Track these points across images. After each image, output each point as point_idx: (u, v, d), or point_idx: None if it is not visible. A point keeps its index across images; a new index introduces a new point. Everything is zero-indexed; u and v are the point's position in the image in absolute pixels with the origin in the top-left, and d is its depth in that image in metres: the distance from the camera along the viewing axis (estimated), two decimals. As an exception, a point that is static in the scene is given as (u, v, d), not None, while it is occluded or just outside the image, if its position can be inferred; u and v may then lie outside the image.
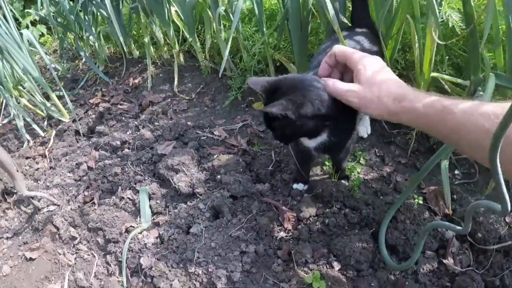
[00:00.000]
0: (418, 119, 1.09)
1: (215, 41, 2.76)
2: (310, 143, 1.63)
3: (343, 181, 1.96)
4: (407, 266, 1.53)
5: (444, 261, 1.68)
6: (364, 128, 2.18)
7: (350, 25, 1.94)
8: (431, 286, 1.63)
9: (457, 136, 1.00)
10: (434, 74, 1.97)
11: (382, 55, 1.84)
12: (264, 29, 2.39)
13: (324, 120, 1.43)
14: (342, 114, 1.40)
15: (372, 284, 1.64)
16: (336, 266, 1.69)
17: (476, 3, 1.83)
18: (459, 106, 0.97)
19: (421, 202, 1.87)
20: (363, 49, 1.82)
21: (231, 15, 2.46)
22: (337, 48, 1.27)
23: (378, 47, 1.86)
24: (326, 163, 2.11)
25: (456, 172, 2.03)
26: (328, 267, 1.69)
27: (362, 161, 2.08)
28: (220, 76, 2.63)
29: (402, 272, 1.68)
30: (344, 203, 1.89)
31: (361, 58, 1.20)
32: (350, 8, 2.17)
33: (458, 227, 1.24)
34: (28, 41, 2.95)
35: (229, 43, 2.03)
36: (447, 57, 2.03)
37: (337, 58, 1.28)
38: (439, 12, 1.76)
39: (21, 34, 2.89)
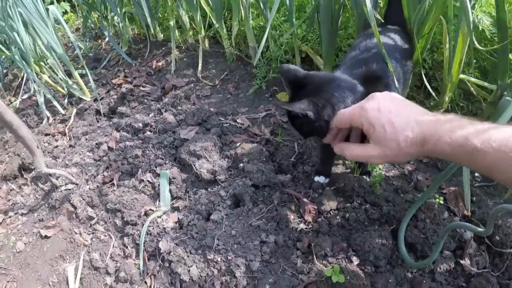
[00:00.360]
0: (446, 157, 1.02)
1: (242, 28, 2.76)
2: None
3: (364, 177, 1.97)
4: (426, 265, 1.54)
5: (461, 261, 1.69)
6: None
7: (383, 21, 1.93)
8: (447, 285, 1.64)
9: (489, 173, 0.94)
10: (461, 76, 1.96)
11: (413, 53, 1.85)
12: (294, 19, 2.39)
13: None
14: None
15: (390, 281, 1.65)
16: (355, 260, 1.70)
17: (508, 8, 1.82)
18: (493, 145, 0.88)
19: (441, 202, 1.87)
20: (396, 46, 1.83)
21: (261, 3, 2.45)
22: (336, 121, 1.27)
23: (409, 45, 1.87)
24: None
25: (476, 174, 2.03)
26: (347, 261, 1.71)
27: (384, 158, 2.08)
28: (248, 61, 2.63)
29: (419, 270, 1.69)
30: (365, 198, 1.90)
31: (360, 115, 1.13)
32: (382, 5, 2.16)
33: (480, 229, 1.25)
34: (53, 17, 2.95)
35: (267, 32, 2.00)
36: (474, 60, 2.03)
37: (340, 126, 1.27)
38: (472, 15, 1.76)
39: (47, 10, 2.90)
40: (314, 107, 1.37)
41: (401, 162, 1.14)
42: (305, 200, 1.91)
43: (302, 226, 1.85)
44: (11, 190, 2.67)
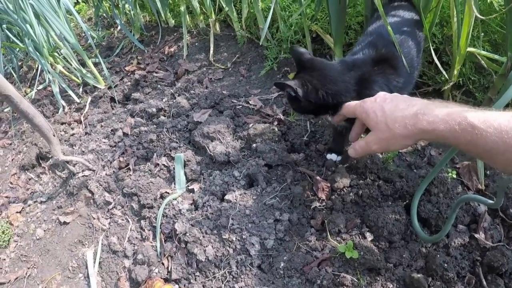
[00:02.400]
0: (442, 138, 1.02)
1: (252, 10, 2.75)
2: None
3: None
4: (439, 238, 1.54)
5: (476, 235, 1.68)
6: None
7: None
8: (461, 259, 1.63)
9: (489, 155, 0.94)
10: (470, 49, 1.94)
11: (422, 25, 1.83)
12: (302, -1, 2.38)
13: (327, 108, 1.57)
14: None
15: (404, 256, 1.66)
16: (369, 236, 1.71)
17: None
18: (494, 124, 0.89)
19: (454, 176, 1.86)
20: (405, 21, 1.82)
21: (270, -15, 2.45)
22: (343, 111, 1.37)
23: (419, 16, 1.86)
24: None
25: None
26: (360, 237, 1.71)
27: (397, 134, 2.08)
28: (260, 44, 2.63)
29: (434, 245, 1.69)
30: (378, 175, 1.90)
31: (360, 106, 1.23)
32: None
33: (490, 201, 1.25)
34: (64, 7, 2.97)
35: (270, 14, 2.02)
36: (482, 33, 2.00)
37: (347, 116, 1.36)
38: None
39: (58, 0, 2.92)
40: (303, 87, 1.52)
41: (397, 148, 1.15)
42: (318, 178, 1.91)
43: (315, 203, 1.86)
44: (29, 179, 2.72)
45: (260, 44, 2.62)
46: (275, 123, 2.26)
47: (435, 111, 1.02)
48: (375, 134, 1.17)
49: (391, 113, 1.10)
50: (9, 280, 2.20)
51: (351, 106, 1.30)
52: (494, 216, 1.75)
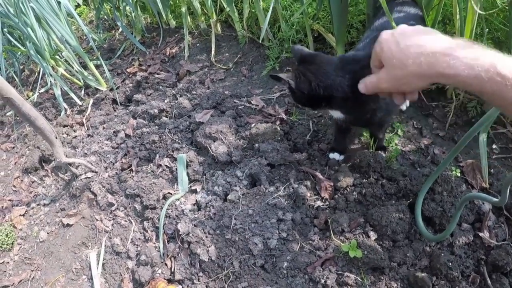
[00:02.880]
0: (459, 80, 0.91)
1: (253, 10, 2.75)
2: (336, 114, 1.70)
3: (381, 152, 1.96)
4: (443, 237, 1.53)
5: (480, 234, 1.68)
6: None
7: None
8: (466, 258, 1.63)
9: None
10: (474, 47, 1.93)
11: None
12: (304, -2, 2.37)
13: (321, 100, 1.59)
14: (353, 97, 1.48)
15: (408, 255, 1.65)
16: (373, 235, 1.70)
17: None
18: None
19: (458, 174, 1.86)
20: (410, 16, 1.82)
21: (270, -16, 2.44)
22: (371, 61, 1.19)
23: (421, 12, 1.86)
24: (365, 134, 2.10)
25: (494, 146, 2.00)
26: (364, 236, 1.71)
27: (400, 132, 2.07)
28: (260, 43, 2.63)
29: (438, 244, 1.69)
30: (382, 173, 1.89)
31: (378, 41, 1.08)
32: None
33: (495, 199, 1.24)
34: (65, 10, 2.97)
35: (269, 12, 2.01)
36: (487, 29, 1.99)
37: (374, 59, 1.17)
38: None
39: (58, 3, 2.92)
40: (296, 78, 1.55)
41: (410, 89, 1.05)
42: (321, 177, 1.91)
43: (318, 203, 1.86)
44: (32, 182, 2.72)
45: (260, 41, 2.62)
46: (278, 122, 2.25)
47: (459, 52, 0.90)
48: (386, 71, 1.06)
49: (407, 48, 0.98)
50: (13, 283, 2.20)
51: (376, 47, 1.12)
52: (498, 215, 1.75)
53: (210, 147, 2.14)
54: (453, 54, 0.90)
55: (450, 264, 1.57)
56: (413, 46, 0.97)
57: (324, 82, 1.51)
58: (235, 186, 1.96)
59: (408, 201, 1.78)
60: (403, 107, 2.16)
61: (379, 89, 1.13)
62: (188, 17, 3.17)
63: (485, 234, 1.68)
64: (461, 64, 0.89)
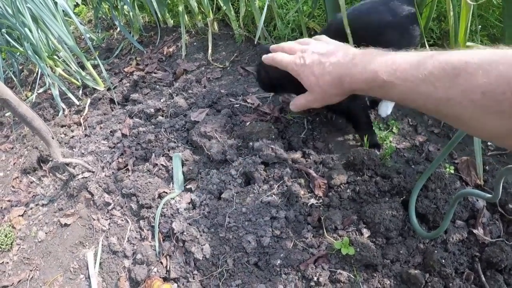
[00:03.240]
0: (368, 93, 1.09)
1: (249, 9, 2.75)
2: None
3: (375, 150, 1.96)
4: (437, 234, 1.54)
5: (474, 231, 1.67)
6: (384, 108, 2.14)
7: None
8: (460, 255, 1.63)
9: (404, 103, 0.95)
10: (469, 43, 1.93)
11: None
12: (299, -4, 2.37)
13: (282, 88, 1.95)
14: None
15: (401, 252, 1.65)
16: (366, 233, 1.70)
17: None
18: (400, 76, 0.90)
19: (452, 171, 1.86)
20: (398, 14, 1.79)
21: (265, -17, 2.44)
22: (275, 59, 1.37)
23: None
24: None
25: (489, 143, 2.00)
26: (357, 233, 1.71)
27: (394, 130, 2.07)
28: (255, 43, 2.64)
29: (432, 241, 1.68)
30: (375, 171, 1.89)
31: (292, 68, 1.27)
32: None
33: (488, 195, 1.24)
34: (62, 10, 2.98)
35: (264, 10, 2.02)
36: (479, 26, 1.99)
37: (279, 66, 1.36)
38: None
39: (55, 3, 2.93)
40: (257, 69, 1.98)
41: (336, 102, 1.21)
42: (314, 175, 1.91)
43: (312, 201, 1.86)
44: (31, 182, 2.74)
45: (256, 41, 2.62)
46: (272, 121, 2.25)
47: (358, 69, 1.04)
48: (312, 95, 1.23)
49: (322, 76, 1.15)
50: (12, 283, 2.21)
51: (285, 61, 1.30)
52: (493, 212, 1.74)
53: (205, 146, 2.14)
54: (354, 72, 1.06)
55: (444, 261, 1.56)
56: (325, 74, 1.15)
57: (272, 76, 1.82)
58: (229, 184, 1.96)
59: (402, 198, 1.78)
60: (382, 114, 2.15)
61: (311, 107, 1.35)
62: (185, 16, 3.18)
63: (479, 231, 1.67)
64: (359, 81, 1.04)
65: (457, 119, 0.82)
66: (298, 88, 1.69)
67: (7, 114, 3.46)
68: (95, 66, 3.30)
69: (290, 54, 1.31)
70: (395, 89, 0.92)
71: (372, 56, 1.02)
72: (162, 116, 2.54)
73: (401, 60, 0.92)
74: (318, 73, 1.16)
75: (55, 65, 3.18)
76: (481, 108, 0.74)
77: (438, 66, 0.81)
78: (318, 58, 1.18)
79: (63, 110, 3.12)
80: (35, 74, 3.67)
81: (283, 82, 1.80)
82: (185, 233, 1.86)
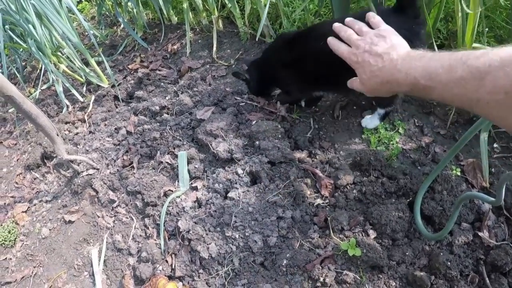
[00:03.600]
0: (410, 94, 1.19)
1: (254, 6, 2.74)
2: None
3: (381, 150, 1.95)
4: (442, 236, 1.53)
5: (480, 234, 1.67)
6: (367, 120, 2.14)
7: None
8: (465, 258, 1.63)
9: (445, 102, 1.04)
10: (475, 44, 1.92)
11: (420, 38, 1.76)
12: (305, -5, 2.37)
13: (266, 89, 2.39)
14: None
15: (407, 254, 1.65)
16: (372, 234, 1.71)
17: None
18: (437, 80, 0.97)
19: (459, 173, 1.86)
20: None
21: (271, -19, 2.44)
22: (337, 49, 1.39)
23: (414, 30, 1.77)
24: (365, 131, 2.10)
25: (495, 145, 2.00)
26: (363, 234, 1.71)
27: (401, 130, 2.07)
28: (262, 39, 2.63)
29: (437, 243, 1.69)
30: (382, 172, 1.89)
31: (352, 60, 1.30)
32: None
33: (491, 198, 1.24)
34: (66, 7, 2.97)
35: (267, 6, 2.02)
36: (486, 29, 1.99)
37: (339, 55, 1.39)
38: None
39: (59, 0, 2.91)
40: (250, 74, 2.30)
41: (383, 96, 1.28)
42: (321, 175, 1.91)
43: (318, 201, 1.86)
44: (34, 178, 2.73)
45: (261, 38, 2.61)
46: (279, 120, 2.25)
47: (401, 75, 1.10)
48: (364, 87, 1.29)
49: (371, 78, 1.22)
50: (16, 279, 2.21)
51: (341, 52, 1.36)
52: (498, 215, 1.74)
53: (211, 144, 2.14)
54: (397, 78, 1.12)
55: (449, 263, 1.57)
56: (375, 77, 1.21)
57: (251, 77, 2.29)
58: (236, 183, 1.96)
59: (408, 200, 1.78)
60: (363, 124, 2.16)
61: (360, 90, 1.34)
62: (190, 13, 3.17)
63: (484, 234, 1.67)
64: (403, 85, 1.10)
65: (488, 116, 0.88)
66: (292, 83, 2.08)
67: (10, 110, 3.45)
68: (99, 63, 3.29)
69: (347, 43, 1.34)
70: (434, 92, 0.98)
71: (411, 61, 1.08)
72: (167, 113, 2.54)
73: (435, 64, 0.97)
74: (369, 75, 1.22)
75: (59, 62, 3.17)
76: (506, 106, 0.79)
77: (467, 69, 0.86)
78: (369, 60, 1.23)
79: (67, 106, 3.12)
80: (38, 71, 3.66)
81: (283, 76, 2.11)
82: (191, 232, 1.86)
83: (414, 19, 1.66)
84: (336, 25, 1.41)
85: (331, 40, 1.40)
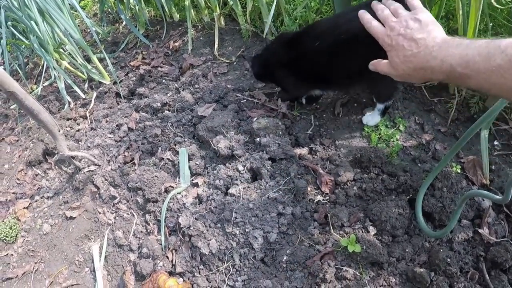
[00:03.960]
0: (445, 81, 1.13)
1: (256, 4, 2.74)
2: None
3: (381, 147, 1.96)
4: (444, 234, 1.54)
5: (480, 230, 1.68)
6: (368, 118, 2.15)
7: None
8: (465, 255, 1.63)
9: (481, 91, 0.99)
10: (477, 42, 1.92)
11: None
12: (307, -8, 2.37)
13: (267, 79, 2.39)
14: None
15: (407, 250, 1.66)
16: (372, 230, 1.71)
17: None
18: (475, 68, 0.95)
19: (459, 171, 1.86)
20: None
21: (274, -22, 2.44)
22: (372, 30, 1.31)
23: None
24: (365, 128, 2.10)
25: (496, 143, 2.00)
26: (363, 231, 1.72)
27: (401, 128, 2.07)
28: (265, 38, 2.64)
29: (437, 240, 1.69)
30: (382, 169, 1.90)
31: (383, 40, 1.24)
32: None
33: (498, 197, 1.24)
34: (69, 3, 2.97)
35: (273, 6, 2.02)
36: (491, 24, 1.99)
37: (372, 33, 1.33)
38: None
39: (62, -3, 2.92)
40: (253, 61, 2.34)
41: (413, 82, 1.23)
42: (321, 171, 1.92)
43: (319, 197, 1.87)
44: (36, 175, 2.74)
45: (264, 37, 2.61)
46: (279, 117, 2.25)
47: (436, 62, 1.06)
48: (394, 71, 1.23)
49: (405, 62, 1.16)
50: (17, 275, 2.22)
51: (375, 32, 1.29)
52: (498, 212, 1.75)
53: (212, 141, 2.14)
54: (434, 65, 1.08)
55: (449, 260, 1.57)
56: (407, 62, 1.15)
57: (254, 68, 2.32)
58: (236, 180, 1.97)
59: (408, 197, 1.78)
60: (364, 121, 2.17)
61: (388, 73, 1.27)
62: (192, 11, 3.17)
63: (484, 231, 1.68)
64: (439, 73, 1.07)
65: None
66: (287, 81, 2.14)
67: (12, 107, 3.45)
68: (101, 60, 3.29)
69: (382, 24, 1.28)
70: (471, 80, 0.97)
71: (447, 48, 1.05)
72: (169, 110, 2.54)
73: (473, 52, 0.95)
74: (403, 59, 1.17)
75: (61, 58, 3.18)
76: None
77: (505, 58, 0.86)
78: (403, 44, 1.18)
79: (69, 103, 3.12)
80: (40, 67, 3.66)
81: (270, 76, 2.24)
82: (191, 228, 1.86)
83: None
84: (374, 2, 1.35)
85: (363, 15, 1.34)
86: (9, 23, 3.06)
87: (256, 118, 2.20)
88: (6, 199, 2.62)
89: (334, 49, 1.80)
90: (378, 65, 1.30)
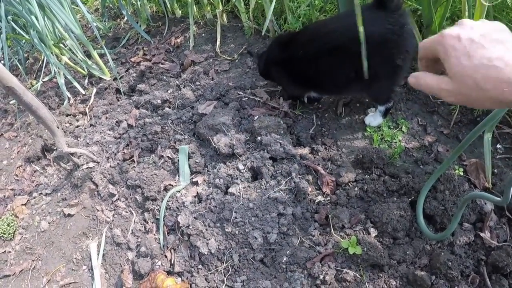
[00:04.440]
0: None
1: (259, 1, 2.72)
2: None
3: (383, 148, 1.94)
4: (444, 237, 1.53)
5: (481, 234, 1.67)
6: (370, 119, 2.12)
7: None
8: (466, 258, 1.62)
9: None
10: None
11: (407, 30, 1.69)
12: (311, -10, 2.35)
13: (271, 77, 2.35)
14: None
15: (408, 253, 1.65)
16: (373, 232, 1.70)
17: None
18: None
19: (461, 173, 1.84)
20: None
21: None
22: (419, 54, 0.96)
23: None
24: (368, 129, 2.09)
25: (498, 146, 1.98)
26: (364, 233, 1.70)
27: (404, 129, 2.05)
28: (266, 34, 2.62)
29: (438, 243, 1.68)
30: (384, 170, 1.88)
31: (440, 42, 0.87)
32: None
33: (497, 198, 1.22)
34: (70, -2, 2.96)
35: (273, 2, 2.00)
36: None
37: (422, 57, 0.97)
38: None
39: (63, -9, 2.89)
40: (258, 58, 2.35)
41: (479, 107, 0.85)
42: (323, 172, 1.90)
43: (320, 198, 1.85)
44: (34, 171, 2.72)
45: (265, 33, 2.59)
46: (281, 115, 2.24)
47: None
48: (456, 85, 0.84)
49: (484, 67, 0.78)
50: (14, 273, 2.21)
51: (427, 42, 0.92)
52: (500, 215, 1.74)
53: (212, 139, 2.13)
54: None
55: (450, 263, 1.56)
56: (491, 68, 0.77)
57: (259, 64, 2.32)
58: (237, 179, 1.96)
59: (410, 199, 1.77)
60: (367, 122, 2.15)
61: (438, 96, 0.91)
62: (194, 7, 3.15)
63: (486, 235, 1.67)
64: None
65: None
66: (283, 81, 2.20)
67: (11, 102, 3.43)
68: (101, 55, 3.27)
69: None
70: None
71: None
72: (169, 107, 2.53)
73: None
74: (479, 62, 0.79)
75: (61, 54, 3.16)
76: None
77: None
78: (479, 37, 0.82)
79: (69, 99, 3.10)
80: (40, 62, 3.64)
81: (274, 74, 2.21)
82: (190, 227, 1.85)
83: (396, 12, 1.62)
84: None
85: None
86: (9, 17, 3.05)
87: (257, 117, 2.19)
88: (4, 196, 2.61)
89: (316, 58, 1.82)
90: (422, 79, 0.94)
